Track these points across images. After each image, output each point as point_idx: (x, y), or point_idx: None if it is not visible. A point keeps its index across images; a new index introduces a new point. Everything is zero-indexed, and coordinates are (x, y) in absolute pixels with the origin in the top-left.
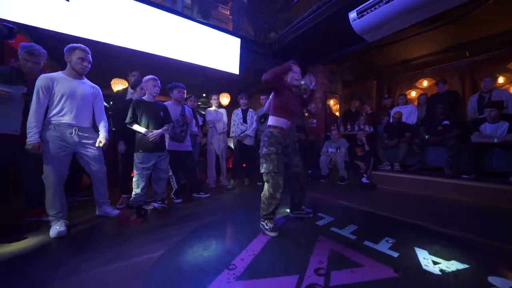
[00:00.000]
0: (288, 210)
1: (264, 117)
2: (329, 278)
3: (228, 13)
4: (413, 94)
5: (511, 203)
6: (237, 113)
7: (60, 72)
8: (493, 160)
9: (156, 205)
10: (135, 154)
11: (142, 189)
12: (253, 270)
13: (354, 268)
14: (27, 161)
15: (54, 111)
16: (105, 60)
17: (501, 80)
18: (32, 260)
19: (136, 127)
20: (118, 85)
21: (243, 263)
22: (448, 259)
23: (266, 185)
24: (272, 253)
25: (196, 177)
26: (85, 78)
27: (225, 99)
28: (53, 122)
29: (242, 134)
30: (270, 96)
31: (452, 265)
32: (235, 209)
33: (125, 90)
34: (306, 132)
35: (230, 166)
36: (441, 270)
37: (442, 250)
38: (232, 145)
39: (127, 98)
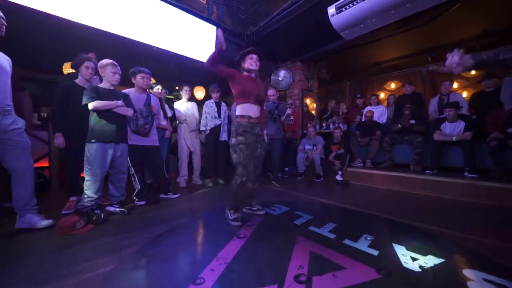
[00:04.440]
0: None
1: None
2: (311, 285)
3: (205, 1)
4: (382, 95)
5: (468, 195)
6: (210, 105)
7: None
8: (452, 156)
9: (112, 209)
10: (86, 146)
11: (96, 192)
12: (225, 283)
13: (336, 271)
14: None
15: None
16: (56, 39)
17: (455, 85)
18: None
19: (94, 103)
20: (71, 69)
21: (213, 275)
22: (425, 254)
23: (236, 175)
24: (247, 260)
25: (164, 175)
26: None
27: (200, 92)
28: None
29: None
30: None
31: (429, 260)
32: (207, 210)
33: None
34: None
35: (203, 164)
36: (420, 267)
37: (418, 245)
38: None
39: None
